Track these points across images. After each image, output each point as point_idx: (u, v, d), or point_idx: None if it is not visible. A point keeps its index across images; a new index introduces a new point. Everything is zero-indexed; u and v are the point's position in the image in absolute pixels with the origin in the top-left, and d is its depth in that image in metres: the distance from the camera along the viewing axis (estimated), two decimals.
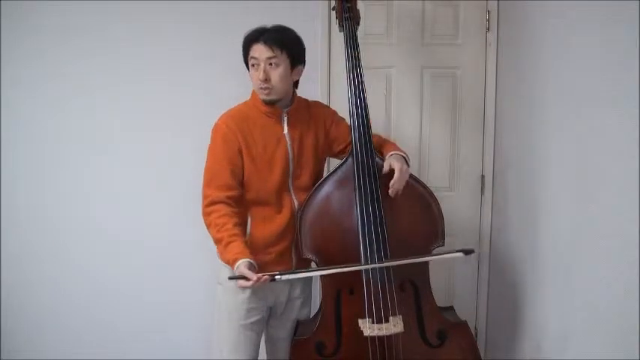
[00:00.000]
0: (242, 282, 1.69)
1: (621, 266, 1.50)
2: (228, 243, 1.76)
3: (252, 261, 1.73)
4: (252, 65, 1.86)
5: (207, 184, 1.87)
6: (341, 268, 1.81)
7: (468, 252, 1.83)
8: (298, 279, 1.98)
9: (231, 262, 1.74)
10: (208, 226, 1.84)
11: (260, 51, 1.83)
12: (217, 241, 1.81)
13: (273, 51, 1.83)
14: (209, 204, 1.84)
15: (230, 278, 1.73)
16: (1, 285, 2.48)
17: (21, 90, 2.41)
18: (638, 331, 1.42)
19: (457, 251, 1.82)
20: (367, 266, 1.84)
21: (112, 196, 2.50)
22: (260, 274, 1.68)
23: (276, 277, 1.72)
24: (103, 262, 2.51)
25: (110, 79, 2.43)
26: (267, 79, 1.83)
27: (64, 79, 2.42)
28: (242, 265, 1.70)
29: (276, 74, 1.84)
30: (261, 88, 1.85)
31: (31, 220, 2.48)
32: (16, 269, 2.49)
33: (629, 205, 1.46)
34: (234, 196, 1.86)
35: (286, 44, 1.85)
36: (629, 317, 1.46)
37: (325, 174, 1.99)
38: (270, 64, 1.83)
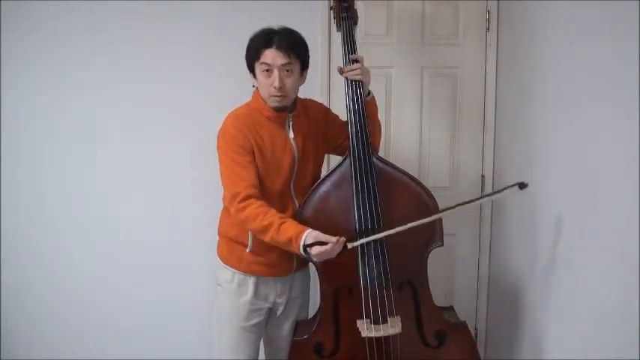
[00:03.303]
0: (318, 248, 1.67)
1: (621, 266, 1.50)
2: (281, 224, 1.73)
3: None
4: (264, 71, 1.82)
5: (234, 183, 1.80)
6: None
7: (523, 185, 1.73)
8: (297, 279, 1.99)
9: (294, 239, 1.70)
10: (246, 220, 1.77)
11: (274, 57, 1.79)
12: (266, 228, 1.74)
13: (289, 57, 1.80)
14: (242, 200, 1.77)
15: (307, 246, 1.68)
16: (1, 285, 2.48)
17: (21, 90, 2.42)
18: (638, 331, 1.42)
19: (512, 186, 1.74)
20: (402, 227, 1.74)
21: (112, 196, 2.50)
22: (338, 237, 1.67)
23: (348, 245, 1.70)
24: (103, 262, 2.52)
25: (110, 79, 2.43)
26: (282, 87, 1.80)
27: (64, 79, 2.42)
28: (313, 233, 1.69)
29: (290, 81, 1.82)
30: (275, 96, 1.82)
31: (31, 220, 2.48)
32: (15, 269, 2.49)
33: (629, 205, 1.45)
34: (260, 194, 1.82)
35: (299, 50, 1.83)
36: (629, 317, 1.45)
37: (324, 173, 1.99)
38: (286, 70, 1.80)
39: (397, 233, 1.85)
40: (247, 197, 1.78)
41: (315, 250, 1.68)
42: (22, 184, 2.46)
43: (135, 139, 2.48)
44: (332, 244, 1.66)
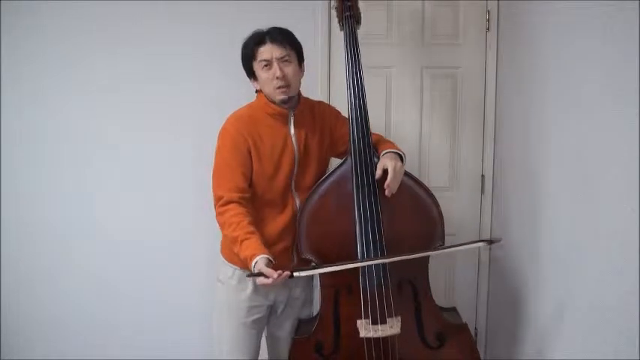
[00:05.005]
0: (262, 279, 1.67)
1: (621, 266, 1.50)
2: (244, 240, 1.74)
3: (269, 257, 1.71)
4: (263, 67, 1.85)
5: (219, 186, 1.85)
6: (355, 263, 1.80)
7: (491, 242, 1.79)
8: (298, 279, 1.97)
9: (248, 260, 1.72)
10: (222, 225, 1.82)
11: (270, 51, 1.83)
12: (234, 240, 1.78)
13: (285, 48, 1.84)
14: (223, 204, 1.82)
15: (248, 276, 1.71)
16: (1, 285, 2.48)
17: (21, 90, 2.42)
18: (638, 331, 1.42)
19: (481, 241, 1.81)
20: (380, 260, 1.81)
21: (112, 196, 2.50)
22: (280, 271, 1.66)
23: (294, 274, 1.70)
24: (103, 262, 2.52)
25: (110, 80, 2.43)
26: (284, 76, 1.83)
27: (64, 80, 2.42)
28: (261, 262, 1.68)
29: (290, 70, 1.85)
30: (279, 88, 1.84)
31: (31, 220, 2.48)
32: (15, 269, 2.49)
33: (629, 205, 1.45)
34: (247, 197, 1.85)
35: (292, 41, 1.88)
36: (629, 317, 1.45)
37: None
38: (284, 61, 1.84)
39: (397, 232, 1.86)
40: (228, 202, 1.81)
41: (258, 281, 1.69)
42: (22, 184, 2.46)
43: (135, 139, 2.47)
44: (273, 279, 1.65)
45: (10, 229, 2.47)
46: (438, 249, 1.87)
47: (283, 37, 1.86)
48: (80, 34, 2.40)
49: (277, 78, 1.83)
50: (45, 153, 2.46)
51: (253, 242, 1.74)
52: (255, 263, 1.69)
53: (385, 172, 1.82)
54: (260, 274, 1.67)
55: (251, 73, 1.91)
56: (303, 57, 1.93)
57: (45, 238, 2.49)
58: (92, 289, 2.53)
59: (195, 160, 2.37)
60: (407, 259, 1.84)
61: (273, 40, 1.84)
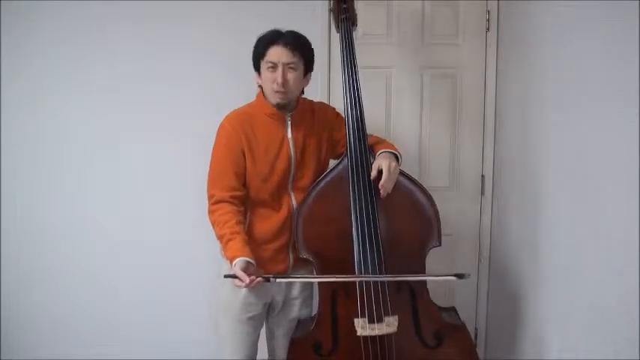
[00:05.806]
0: (236, 281, 1.72)
1: (621, 266, 1.50)
2: (229, 240, 1.78)
3: (249, 259, 1.73)
4: (268, 68, 1.85)
5: (212, 184, 1.89)
6: (335, 277, 1.83)
7: (461, 276, 1.77)
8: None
9: (230, 260, 1.75)
10: (213, 224, 1.86)
11: (279, 54, 1.83)
12: (220, 239, 1.83)
13: (294, 55, 1.83)
14: (214, 203, 1.86)
15: (225, 276, 1.74)
16: (1, 285, 2.49)
17: (21, 90, 2.42)
18: (638, 331, 1.42)
19: (451, 275, 1.78)
20: (360, 278, 1.83)
21: (112, 196, 2.50)
22: (253, 277, 1.69)
23: (271, 279, 1.74)
24: (103, 262, 2.52)
25: (110, 80, 2.44)
26: (284, 83, 1.83)
27: (65, 80, 2.43)
28: (237, 265, 1.72)
29: (293, 77, 1.85)
30: (277, 92, 1.85)
31: (31, 219, 2.48)
32: (15, 269, 2.49)
33: (629, 205, 1.45)
34: (239, 196, 1.87)
35: (304, 50, 1.87)
36: (629, 317, 1.45)
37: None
38: (289, 67, 1.84)
39: (393, 232, 1.86)
40: (219, 201, 1.85)
41: (233, 283, 1.73)
42: (22, 184, 2.46)
43: (135, 139, 2.48)
44: (246, 283, 1.68)
45: (10, 229, 2.48)
46: (408, 276, 1.86)
47: (296, 43, 1.84)
48: (80, 34, 2.41)
49: (277, 83, 1.83)
50: (45, 153, 2.46)
51: (236, 243, 1.77)
52: (234, 265, 1.72)
53: (380, 172, 1.82)
54: (235, 276, 1.70)
55: (257, 68, 1.91)
56: (312, 67, 1.92)
57: (45, 238, 2.49)
58: (92, 289, 2.53)
59: (195, 160, 2.36)
60: (401, 261, 1.85)
61: (285, 44, 1.83)
